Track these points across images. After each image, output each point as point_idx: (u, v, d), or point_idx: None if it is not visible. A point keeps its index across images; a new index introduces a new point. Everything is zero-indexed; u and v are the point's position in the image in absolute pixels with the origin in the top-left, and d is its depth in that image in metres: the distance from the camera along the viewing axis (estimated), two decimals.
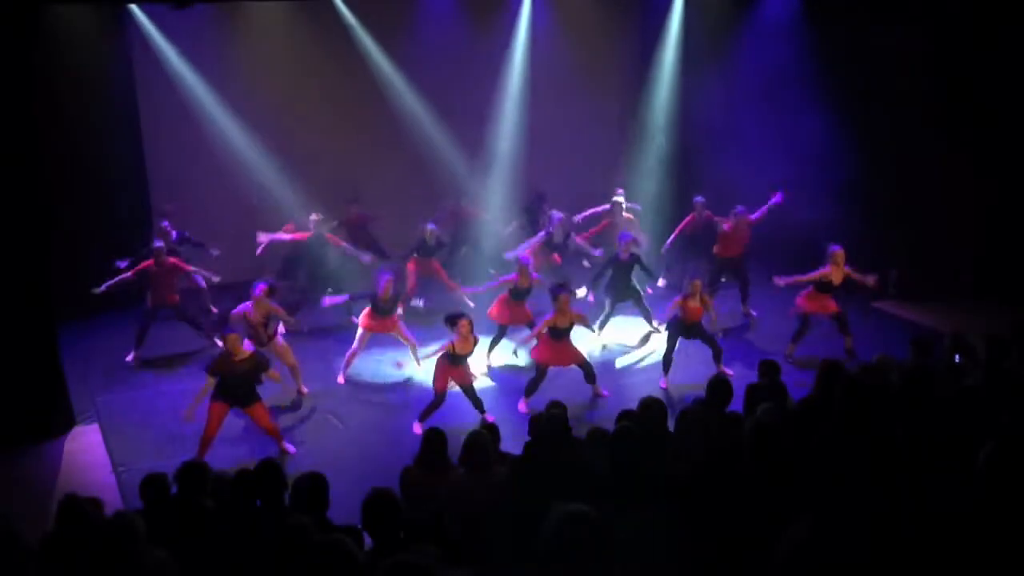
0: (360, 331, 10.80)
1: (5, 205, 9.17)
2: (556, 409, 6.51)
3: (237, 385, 8.83)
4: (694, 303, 10.36)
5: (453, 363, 9.40)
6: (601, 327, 11.89)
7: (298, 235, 12.52)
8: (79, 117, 12.46)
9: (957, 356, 7.36)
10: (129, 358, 11.56)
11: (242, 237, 13.19)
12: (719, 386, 6.66)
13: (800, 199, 12.50)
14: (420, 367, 10.65)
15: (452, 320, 9.36)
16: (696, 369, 10.52)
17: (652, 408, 6.21)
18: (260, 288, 10.14)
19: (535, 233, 13.38)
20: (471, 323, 9.37)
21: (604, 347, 11.73)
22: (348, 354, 10.85)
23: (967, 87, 11.81)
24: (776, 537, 3.59)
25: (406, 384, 10.79)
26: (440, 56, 14.17)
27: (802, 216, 12.54)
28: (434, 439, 6.12)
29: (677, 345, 10.50)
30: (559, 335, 9.93)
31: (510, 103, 14.76)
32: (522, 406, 9.97)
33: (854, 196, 12.55)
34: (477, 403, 9.55)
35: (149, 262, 11.46)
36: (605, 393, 10.22)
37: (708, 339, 10.53)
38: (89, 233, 12.78)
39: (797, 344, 10.98)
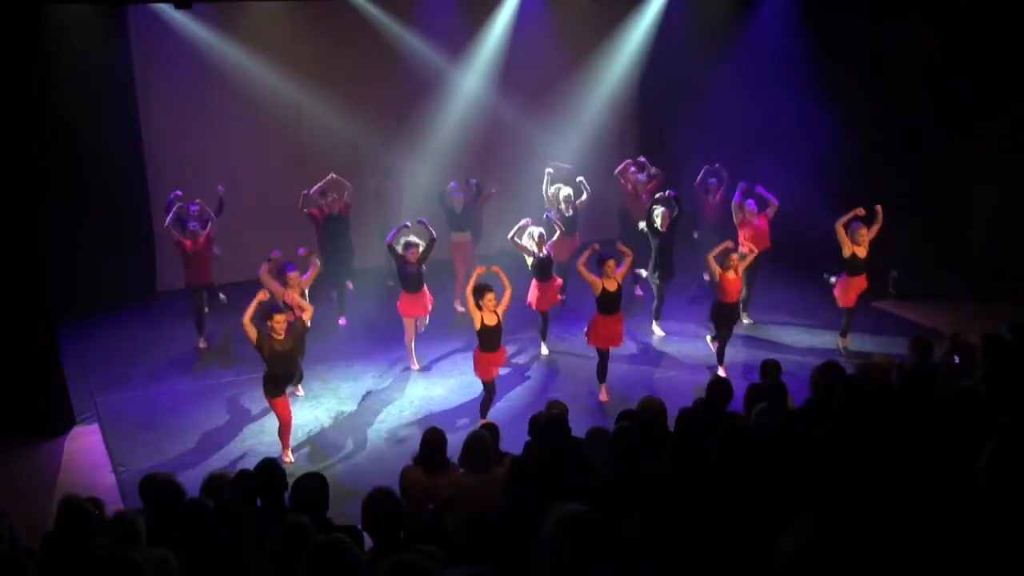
0: (405, 321, 10.94)
1: (4, 205, 9.17)
2: (556, 409, 6.51)
3: (285, 366, 8.88)
4: (733, 275, 10.39)
5: (488, 349, 9.39)
6: (656, 317, 12.03)
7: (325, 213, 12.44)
8: (79, 117, 12.45)
9: (956, 356, 7.36)
10: (202, 345, 11.77)
11: (242, 237, 13.20)
12: (719, 386, 6.67)
13: (798, 199, 12.48)
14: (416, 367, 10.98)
15: (479, 292, 9.34)
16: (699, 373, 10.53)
17: (652, 408, 6.21)
18: (292, 267, 10.17)
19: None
20: (496, 296, 9.40)
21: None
22: (407, 343, 11.03)
23: (968, 86, 11.81)
24: (775, 537, 3.59)
25: (407, 384, 10.80)
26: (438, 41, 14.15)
27: (800, 216, 12.52)
28: (434, 439, 6.12)
29: (731, 333, 10.67)
30: (610, 306, 9.93)
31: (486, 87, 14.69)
32: (603, 395, 10.16)
33: (853, 196, 12.52)
34: (487, 404, 9.56)
35: (187, 243, 11.45)
36: (604, 399, 10.16)
37: (729, 329, 10.57)
38: (89, 233, 12.79)
39: (847, 337, 11.16)
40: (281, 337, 8.79)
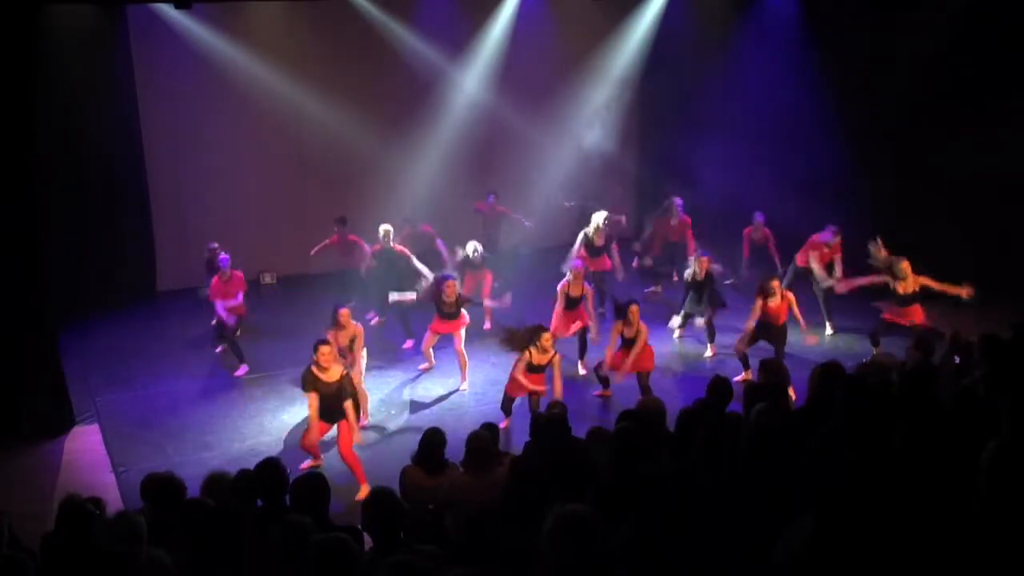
0: (428, 334, 10.71)
1: (5, 205, 9.17)
2: (556, 409, 6.52)
3: (329, 402, 8.39)
4: (775, 302, 10.19)
5: (529, 371, 9.03)
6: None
7: (373, 248, 12.06)
8: (79, 117, 12.46)
9: (956, 356, 7.36)
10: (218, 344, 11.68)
11: (242, 239, 13.19)
12: (719, 386, 6.66)
13: (799, 199, 12.48)
14: (465, 387, 10.58)
15: (535, 333, 8.91)
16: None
17: (652, 408, 6.21)
18: (344, 311, 9.54)
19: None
20: (553, 337, 9.05)
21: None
22: (425, 343, 10.92)
23: (968, 85, 11.81)
24: (775, 537, 3.59)
25: (407, 384, 10.80)
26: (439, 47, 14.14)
27: (801, 216, 12.52)
28: (434, 439, 6.13)
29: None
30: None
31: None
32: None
33: (854, 196, 12.54)
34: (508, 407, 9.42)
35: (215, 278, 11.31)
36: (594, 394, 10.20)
37: (781, 346, 10.36)
38: (89, 233, 12.79)
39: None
40: (325, 378, 8.35)
